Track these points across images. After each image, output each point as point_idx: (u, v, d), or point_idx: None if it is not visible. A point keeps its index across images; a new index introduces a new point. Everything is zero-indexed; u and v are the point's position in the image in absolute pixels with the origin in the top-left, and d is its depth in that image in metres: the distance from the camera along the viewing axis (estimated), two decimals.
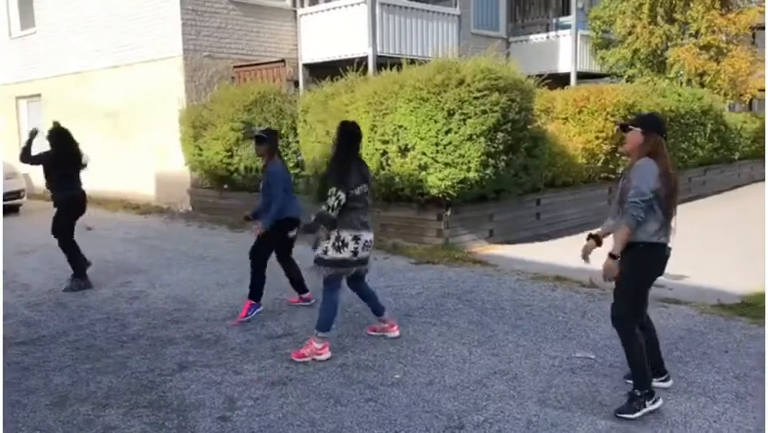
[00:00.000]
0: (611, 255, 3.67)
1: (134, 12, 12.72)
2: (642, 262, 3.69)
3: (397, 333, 5.03)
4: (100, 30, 13.57)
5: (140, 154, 12.96)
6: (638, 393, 3.64)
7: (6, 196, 12.30)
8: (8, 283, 7.01)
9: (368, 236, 4.66)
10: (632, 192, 3.57)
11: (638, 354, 3.67)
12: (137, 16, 12.67)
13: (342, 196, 4.46)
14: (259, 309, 5.56)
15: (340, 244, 4.55)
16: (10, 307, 6.09)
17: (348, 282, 4.90)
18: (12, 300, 6.31)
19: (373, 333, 5.08)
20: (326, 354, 4.60)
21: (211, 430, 3.57)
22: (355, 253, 4.59)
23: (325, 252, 4.60)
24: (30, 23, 15.77)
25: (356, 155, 4.71)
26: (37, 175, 15.41)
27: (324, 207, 4.49)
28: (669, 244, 3.77)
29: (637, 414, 3.59)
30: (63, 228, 6.74)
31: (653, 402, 3.64)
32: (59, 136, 6.94)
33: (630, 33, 16.54)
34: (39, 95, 15.68)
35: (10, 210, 12.61)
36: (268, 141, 5.55)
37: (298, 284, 5.89)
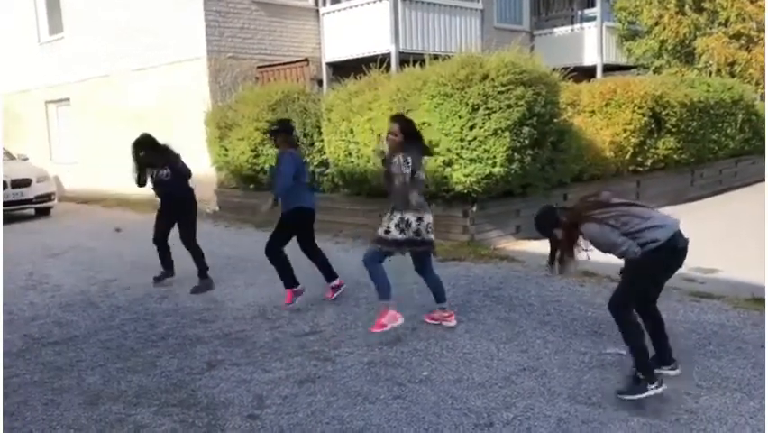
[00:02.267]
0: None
1: (159, 14, 12.86)
2: (642, 264, 3.71)
3: (454, 322, 5.17)
4: (126, 33, 13.74)
5: None
6: (641, 376, 3.64)
7: (38, 198, 12.56)
8: (40, 285, 7.14)
9: (430, 218, 4.94)
10: (617, 254, 3.72)
11: (635, 337, 3.71)
12: (161, 19, 12.80)
13: (408, 173, 4.75)
14: (301, 295, 5.82)
15: (404, 225, 4.81)
16: (42, 308, 6.20)
17: (415, 266, 5.16)
18: (44, 301, 6.43)
19: (431, 321, 5.22)
20: (401, 320, 4.93)
21: (240, 429, 3.59)
22: (418, 233, 4.86)
23: (388, 231, 4.83)
24: (58, 28, 16.04)
25: (417, 145, 5.01)
26: (67, 178, 15.75)
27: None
28: (680, 234, 3.77)
29: (639, 396, 3.59)
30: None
31: (657, 387, 3.62)
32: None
33: (657, 24, 16.29)
34: (68, 99, 15.94)
35: (41, 212, 12.86)
36: (282, 131, 5.90)
37: (327, 271, 5.98)
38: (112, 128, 13.97)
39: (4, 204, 11.93)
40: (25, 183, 12.31)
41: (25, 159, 13.90)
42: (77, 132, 15.56)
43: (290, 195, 5.67)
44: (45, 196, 12.66)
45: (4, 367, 4.67)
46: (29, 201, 12.46)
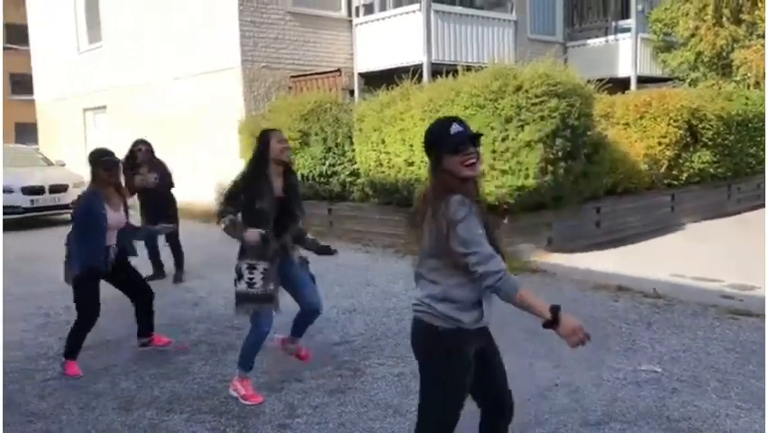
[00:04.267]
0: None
1: (194, 25, 13.06)
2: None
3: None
4: (162, 43, 13.99)
5: (200, 163, 13.26)
6: None
7: (74, 204, 12.79)
8: None
9: None
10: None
11: None
12: (197, 29, 13.00)
13: None
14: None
15: None
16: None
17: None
18: None
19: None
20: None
21: None
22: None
23: None
24: (97, 37, 16.39)
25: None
26: None
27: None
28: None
29: None
30: None
31: None
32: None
33: (693, 35, 16.05)
34: (104, 106, 16.26)
35: None
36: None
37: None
38: (146, 136, 14.16)
39: (43, 208, 12.26)
40: (62, 189, 12.57)
41: (63, 165, 14.20)
42: (113, 139, 15.83)
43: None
44: None
45: (42, 370, 4.77)
46: (66, 206, 12.70)
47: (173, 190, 7.66)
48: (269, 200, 4.01)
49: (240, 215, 4.07)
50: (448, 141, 2.41)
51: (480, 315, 2.51)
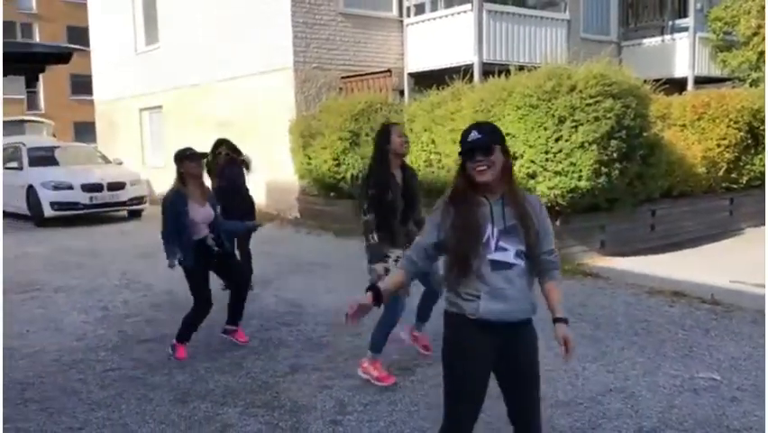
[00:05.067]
0: (565, 320, 2.68)
1: (248, 26, 13.26)
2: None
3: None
4: (216, 44, 14.24)
5: (251, 162, 13.45)
6: None
7: (131, 201, 13.20)
8: (133, 283, 7.48)
9: None
10: (550, 239, 2.69)
11: None
12: (250, 30, 13.20)
13: None
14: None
15: None
16: (135, 306, 6.49)
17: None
18: (137, 300, 6.72)
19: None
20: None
21: None
22: None
23: None
24: (154, 39, 16.82)
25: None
26: (158, 181, 16.46)
27: None
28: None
29: None
30: None
31: None
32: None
33: (756, 34, 15.49)
34: (160, 106, 16.67)
35: (134, 214, 13.50)
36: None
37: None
38: (199, 135, 14.43)
39: (102, 205, 12.67)
40: (120, 186, 12.97)
41: (120, 163, 14.64)
42: (167, 138, 16.24)
43: None
44: (137, 199, 13.29)
45: (102, 360, 4.93)
46: (123, 203, 13.12)
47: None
48: (396, 192, 4.18)
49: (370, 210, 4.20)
50: (463, 146, 2.53)
51: (476, 307, 2.52)
